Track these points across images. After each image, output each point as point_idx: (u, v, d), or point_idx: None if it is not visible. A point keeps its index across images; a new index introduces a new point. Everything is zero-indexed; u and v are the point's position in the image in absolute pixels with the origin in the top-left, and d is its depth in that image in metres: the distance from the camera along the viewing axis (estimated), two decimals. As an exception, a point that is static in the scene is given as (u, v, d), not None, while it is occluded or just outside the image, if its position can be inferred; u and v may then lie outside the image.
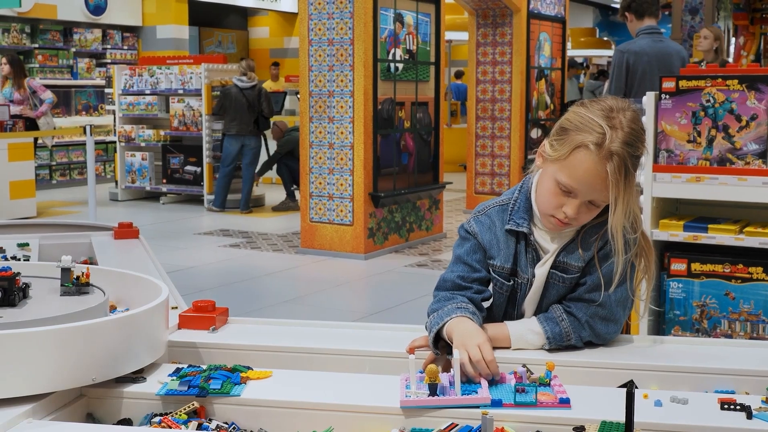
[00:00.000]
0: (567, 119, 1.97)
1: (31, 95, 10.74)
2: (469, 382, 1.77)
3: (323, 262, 7.78)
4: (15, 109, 10.25)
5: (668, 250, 3.40)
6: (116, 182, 11.93)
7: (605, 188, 1.89)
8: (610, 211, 1.91)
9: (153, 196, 11.75)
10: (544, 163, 2.00)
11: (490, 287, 2.10)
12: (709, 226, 3.31)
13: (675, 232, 3.36)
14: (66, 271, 2.04)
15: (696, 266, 3.29)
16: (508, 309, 2.09)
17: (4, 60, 10.69)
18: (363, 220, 7.85)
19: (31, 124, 10.49)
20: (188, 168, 11.24)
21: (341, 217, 7.95)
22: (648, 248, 2.02)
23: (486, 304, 2.09)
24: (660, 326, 3.40)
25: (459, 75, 17.85)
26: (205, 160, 10.97)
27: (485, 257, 2.08)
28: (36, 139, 11.36)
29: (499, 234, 2.07)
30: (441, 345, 1.96)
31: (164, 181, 11.45)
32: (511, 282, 2.06)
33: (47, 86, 11.49)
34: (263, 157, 10.98)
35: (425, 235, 8.75)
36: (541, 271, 2.03)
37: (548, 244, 2.04)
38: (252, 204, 10.84)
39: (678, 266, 3.33)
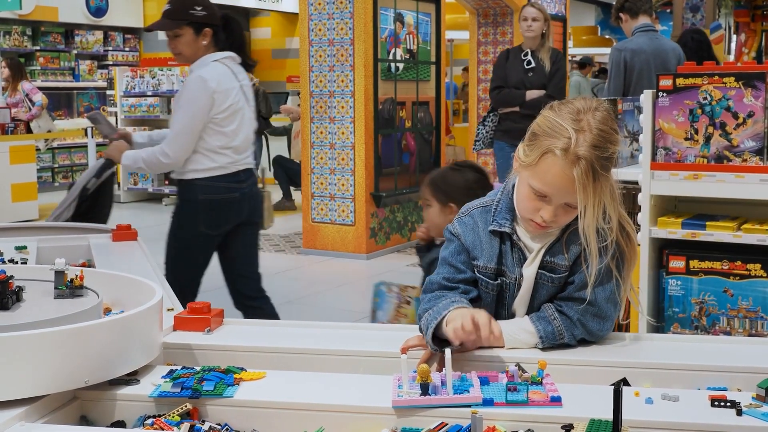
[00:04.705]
0: (537, 124, 1.98)
1: (25, 98, 10.74)
2: (463, 380, 1.76)
3: (325, 263, 7.79)
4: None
5: (667, 247, 3.40)
6: (118, 184, 11.94)
7: (576, 192, 1.89)
8: (579, 215, 1.92)
9: (155, 198, 11.76)
10: (519, 167, 2.01)
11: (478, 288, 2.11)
12: (708, 223, 3.31)
13: (673, 230, 3.37)
14: (60, 274, 2.05)
15: (694, 263, 3.29)
16: (498, 310, 2.10)
17: (3, 63, 10.69)
18: (365, 220, 7.85)
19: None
20: (190, 169, 11.24)
21: (343, 217, 7.96)
22: (630, 251, 2.02)
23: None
24: (659, 323, 3.40)
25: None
26: (207, 161, 10.97)
27: (470, 258, 2.09)
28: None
29: (482, 234, 2.08)
30: (438, 341, 1.96)
31: (166, 182, 11.46)
32: (498, 281, 2.07)
33: (49, 88, 11.52)
34: (264, 158, 10.99)
35: (427, 234, 8.73)
36: (529, 271, 2.04)
37: (532, 242, 2.05)
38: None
39: (676, 263, 3.33)
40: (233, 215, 4.20)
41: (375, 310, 3.26)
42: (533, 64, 6.92)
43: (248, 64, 4.28)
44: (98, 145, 12.52)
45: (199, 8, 4.04)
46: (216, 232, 4.20)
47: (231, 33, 4.19)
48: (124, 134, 4.40)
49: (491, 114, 7.11)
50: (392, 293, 3.27)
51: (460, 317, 1.89)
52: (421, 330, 2.03)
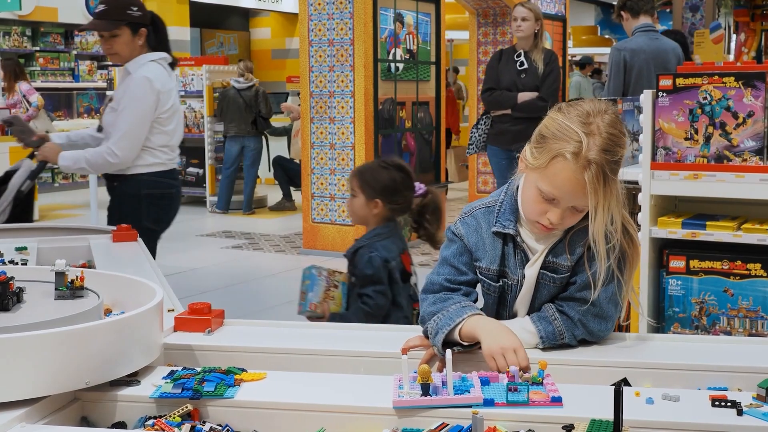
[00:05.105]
0: (545, 126, 1.97)
1: (23, 99, 10.72)
2: (463, 381, 1.76)
3: (326, 263, 7.75)
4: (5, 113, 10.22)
5: (667, 247, 3.40)
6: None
7: (586, 195, 1.89)
8: (590, 218, 1.91)
9: (156, 199, 11.73)
10: (526, 169, 2.01)
11: (479, 289, 2.10)
12: (708, 223, 3.31)
13: (673, 230, 3.37)
14: (60, 275, 2.05)
15: (695, 263, 3.29)
16: (499, 310, 2.10)
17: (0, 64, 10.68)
18: (365, 220, 7.84)
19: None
20: (190, 170, 11.24)
21: (343, 217, 7.96)
22: (633, 253, 2.02)
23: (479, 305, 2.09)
24: (659, 323, 3.40)
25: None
26: (207, 162, 10.98)
27: (472, 259, 2.08)
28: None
29: (485, 236, 2.07)
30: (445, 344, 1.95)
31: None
32: (500, 283, 2.06)
33: (49, 89, 11.49)
34: (264, 158, 11.00)
35: (427, 234, 8.73)
36: (531, 271, 2.04)
37: (536, 244, 2.04)
38: (255, 205, 10.85)
39: (677, 263, 3.33)
40: (172, 211, 4.35)
41: (305, 292, 3.28)
42: (526, 66, 6.70)
43: (174, 63, 4.38)
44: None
45: (135, 8, 4.11)
46: (158, 227, 4.29)
47: (158, 31, 4.26)
48: (43, 136, 4.37)
49: (484, 117, 6.96)
50: (322, 277, 3.31)
51: (500, 352, 1.87)
52: (425, 332, 2.02)
